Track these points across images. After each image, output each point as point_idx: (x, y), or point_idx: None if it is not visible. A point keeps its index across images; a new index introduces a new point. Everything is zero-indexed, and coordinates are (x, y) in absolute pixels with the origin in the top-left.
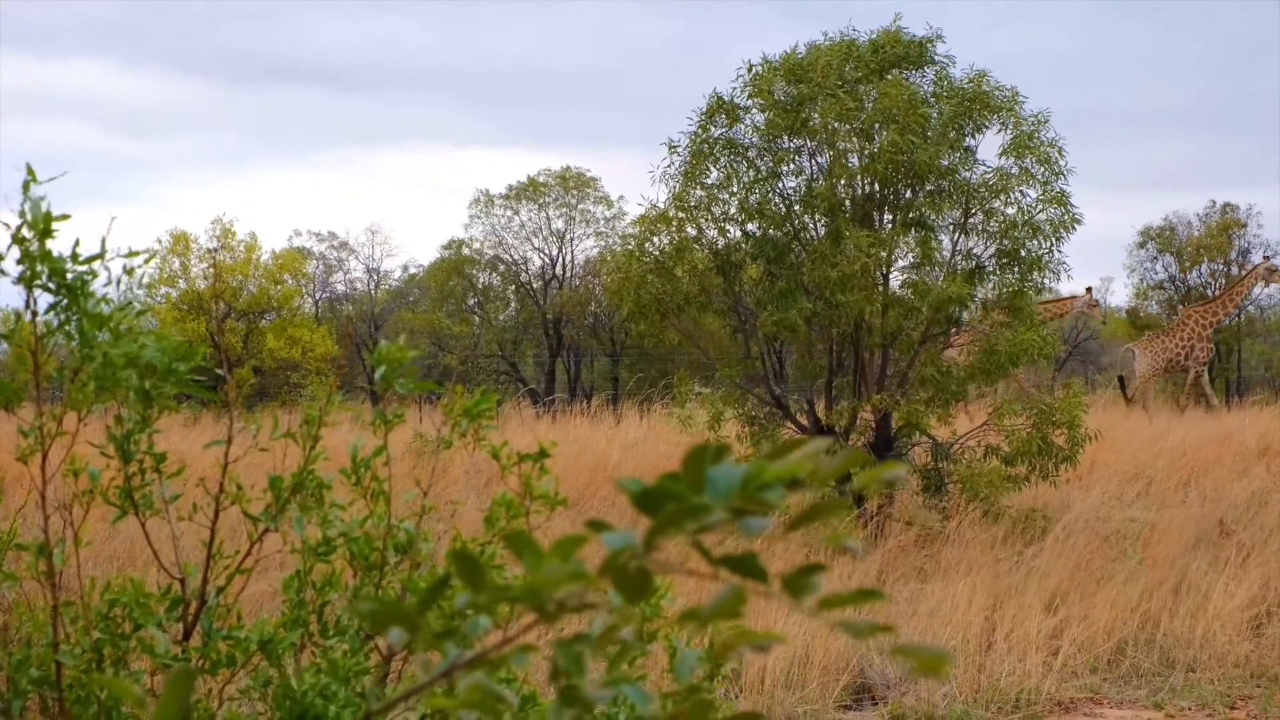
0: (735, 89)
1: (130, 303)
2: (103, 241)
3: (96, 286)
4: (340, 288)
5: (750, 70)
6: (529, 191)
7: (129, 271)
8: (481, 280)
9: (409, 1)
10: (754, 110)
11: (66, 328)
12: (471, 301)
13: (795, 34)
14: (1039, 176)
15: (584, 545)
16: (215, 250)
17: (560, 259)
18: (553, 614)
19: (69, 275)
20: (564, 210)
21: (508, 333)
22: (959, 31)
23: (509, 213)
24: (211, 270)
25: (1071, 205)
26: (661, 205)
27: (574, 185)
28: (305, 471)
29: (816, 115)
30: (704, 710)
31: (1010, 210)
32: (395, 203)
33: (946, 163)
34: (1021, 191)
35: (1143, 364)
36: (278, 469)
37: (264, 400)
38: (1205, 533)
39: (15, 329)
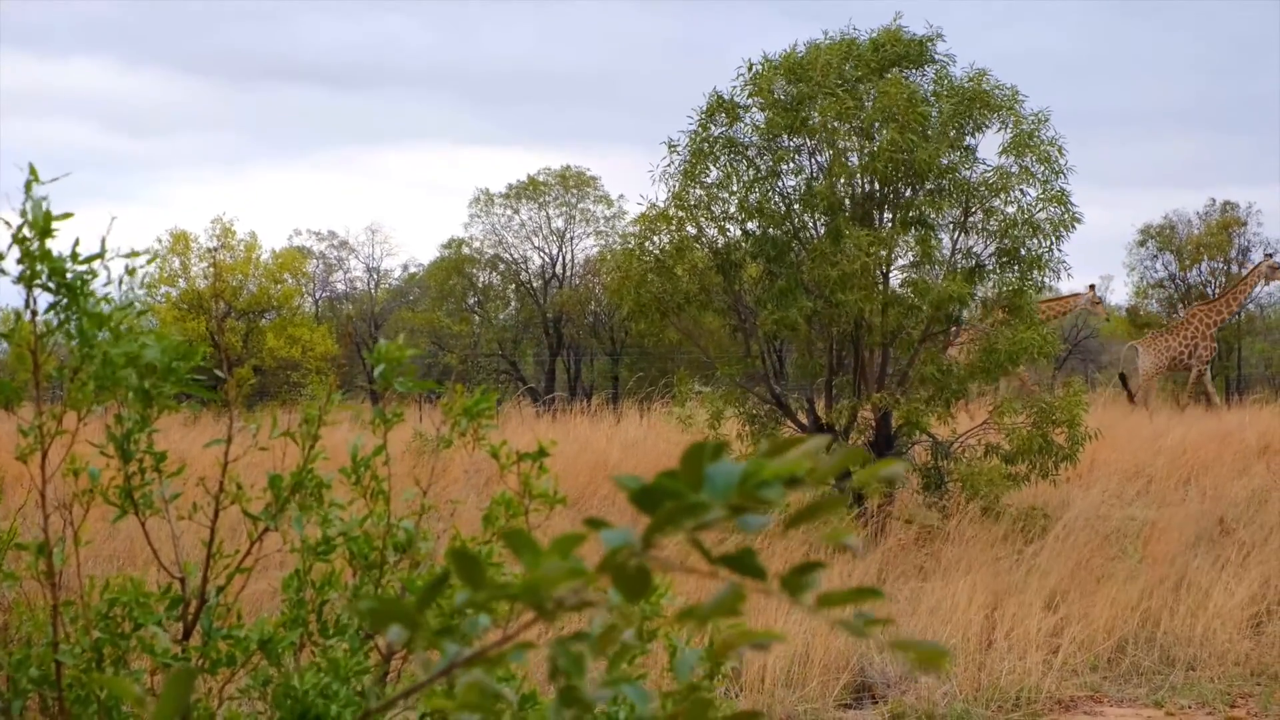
0: (735, 88)
1: (131, 303)
2: (102, 241)
3: (97, 286)
4: (340, 287)
5: (750, 69)
6: (529, 190)
7: (130, 272)
8: (481, 279)
9: (409, 1)
10: (754, 109)
11: (66, 327)
12: (471, 300)
13: (795, 33)
14: (1039, 175)
15: (583, 543)
16: (215, 249)
17: (560, 258)
18: (551, 612)
19: (69, 275)
20: (564, 209)
21: (508, 332)
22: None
23: (509, 212)
24: (211, 269)
25: (1071, 204)
26: (661, 204)
27: (574, 184)
28: (305, 471)
29: (816, 114)
30: (704, 709)
31: (1010, 209)
32: (395, 202)
33: (946, 161)
34: (1021, 190)
35: (1146, 362)
36: (277, 468)
37: (264, 399)
38: (1205, 531)
39: (15, 328)
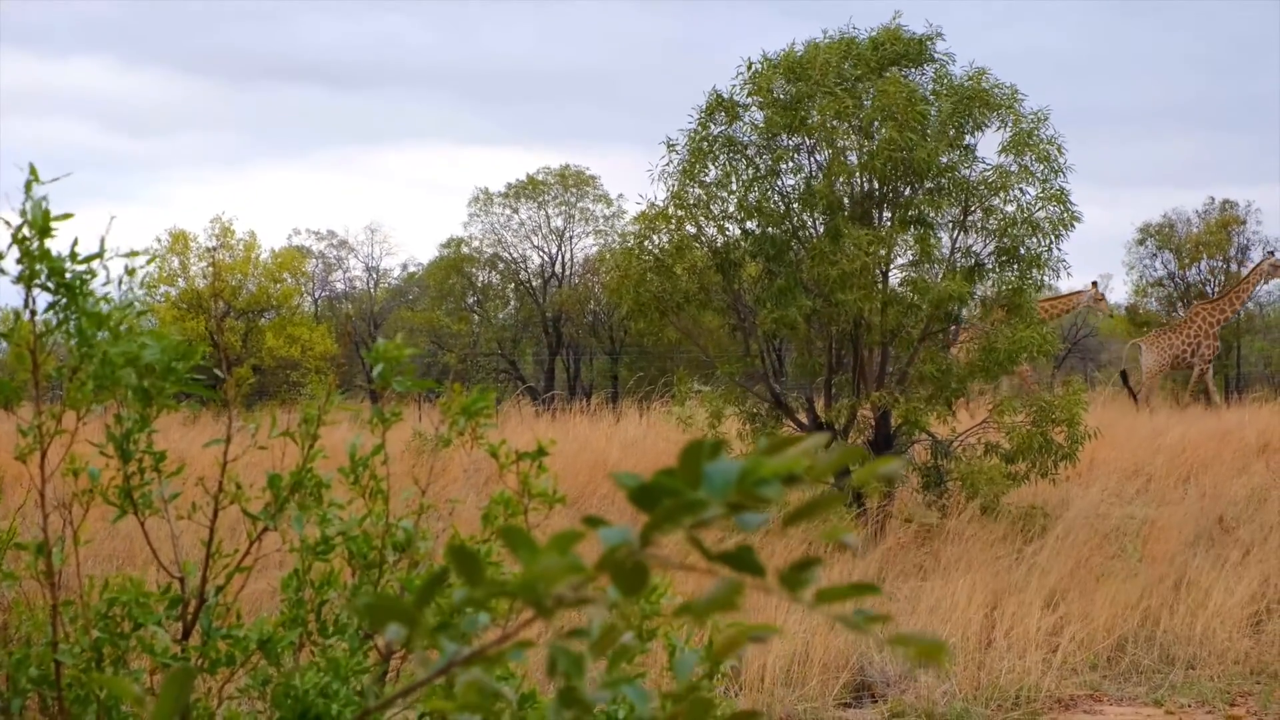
0: (734, 87)
1: (130, 303)
2: (102, 241)
3: (96, 286)
4: (340, 286)
5: (749, 68)
6: (528, 190)
7: (130, 271)
8: (481, 278)
9: (409, 1)
10: (753, 108)
11: (65, 327)
12: (471, 300)
13: (795, 32)
14: (1038, 174)
15: (581, 541)
16: (214, 249)
17: (559, 257)
18: (550, 609)
19: (68, 274)
20: (563, 208)
21: (507, 331)
22: (959, 31)
23: (508, 211)
24: (211, 269)
25: (1071, 203)
26: (660, 203)
27: (573, 183)
28: (304, 470)
29: (815, 113)
30: (703, 709)
31: (1009, 208)
32: (395, 201)
33: (946, 160)
34: (1021, 189)
35: (1149, 360)
36: (277, 468)
37: (263, 399)
38: (1205, 529)
39: (14, 328)
